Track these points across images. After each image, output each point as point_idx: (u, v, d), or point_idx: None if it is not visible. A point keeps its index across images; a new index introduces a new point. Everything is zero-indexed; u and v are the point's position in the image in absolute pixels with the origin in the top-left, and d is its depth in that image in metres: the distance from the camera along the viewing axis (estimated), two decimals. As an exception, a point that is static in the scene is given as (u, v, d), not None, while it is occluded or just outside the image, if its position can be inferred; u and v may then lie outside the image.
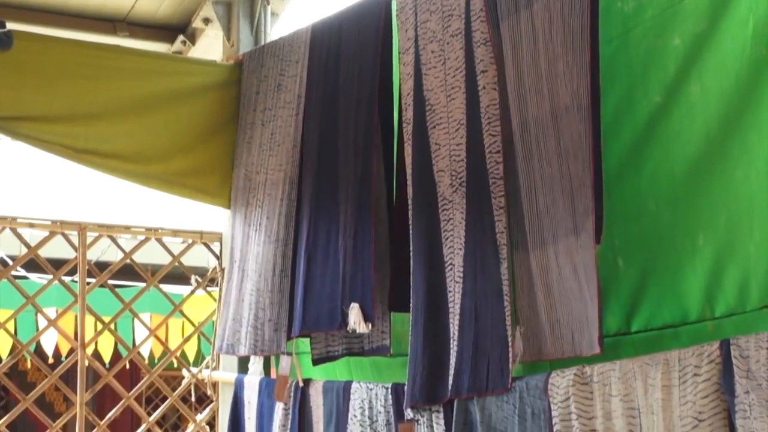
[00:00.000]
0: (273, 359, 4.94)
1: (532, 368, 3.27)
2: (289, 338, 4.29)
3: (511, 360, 3.22)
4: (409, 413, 3.66)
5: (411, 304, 3.65)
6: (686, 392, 2.57)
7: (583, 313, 2.96)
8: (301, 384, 4.34)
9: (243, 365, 5.20)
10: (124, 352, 5.74)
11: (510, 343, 3.23)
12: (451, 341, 3.43)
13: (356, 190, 4.00)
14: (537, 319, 3.17)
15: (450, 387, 3.40)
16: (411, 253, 3.65)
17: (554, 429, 2.99)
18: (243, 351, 4.57)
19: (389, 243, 3.96)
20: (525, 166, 3.21)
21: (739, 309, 2.68)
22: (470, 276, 3.39)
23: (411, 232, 3.66)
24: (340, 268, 3.97)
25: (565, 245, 3.05)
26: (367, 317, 3.82)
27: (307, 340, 4.34)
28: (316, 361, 4.26)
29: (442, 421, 3.52)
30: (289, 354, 4.43)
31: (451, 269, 3.47)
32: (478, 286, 3.35)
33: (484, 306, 3.32)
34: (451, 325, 3.45)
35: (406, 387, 3.67)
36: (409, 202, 3.68)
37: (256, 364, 4.99)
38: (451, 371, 3.41)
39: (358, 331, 3.86)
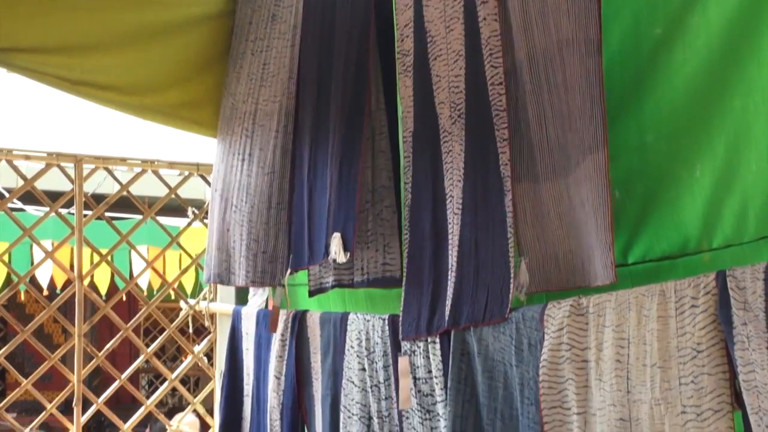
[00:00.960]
0: (270, 291, 4.95)
1: (530, 300, 3.28)
2: (294, 271, 4.28)
3: (511, 291, 3.23)
4: (406, 345, 3.69)
5: (411, 237, 3.65)
6: (684, 323, 2.58)
7: (594, 243, 2.96)
8: (291, 315, 4.37)
9: (241, 297, 5.23)
10: (121, 285, 5.75)
11: (512, 274, 3.24)
12: (450, 273, 3.45)
13: (347, 120, 3.98)
14: (545, 249, 3.17)
15: (447, 317, 3.42)
16: (411, 186, 3.65)
17: (542, 358, 3.01)
18: (236, 282, 4.59)
19: (392, 175, 3.95)
20: (534, 97, 3.19)
21: (737, 240, 2.69)
22: (469, 208, 3.39)
23: (412, 164, 3.65)
24: (326, 200, 3.97)
25: (575, 177, 3.04)
26: (346, 247, 3.81)
27: (304, 272, 4.35)
28: (311, 293, 4.28)
29: (438, 352, 3.54)
30: (283, 286, 4.45)
31: (451, 201, 3.47)
32: (479, 218, 3.35)
33: (485, 238, 3.33)
34: (449, 257, 3.46)
35: (401, 318, 3.69)
36: (410, 134, 3.67)
37: (257, 296, 5.01)
38: (449, 302, 3.42)
39: (337, 261, 3.86)
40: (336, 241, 3.84)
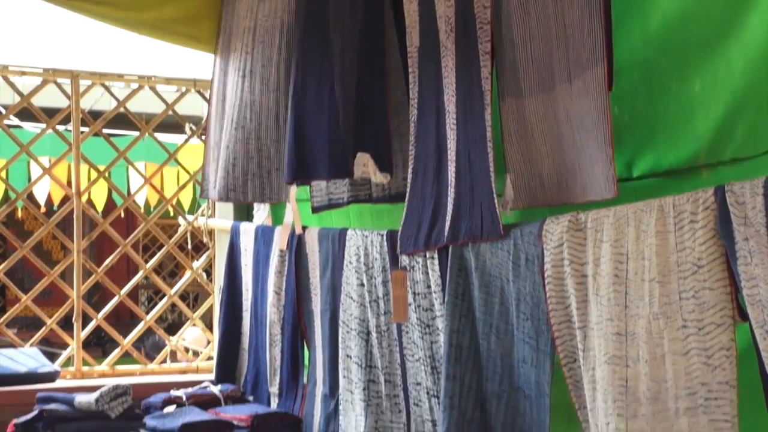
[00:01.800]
0: (270, 208, 4.96)
1: (530, 215, 3.28)
2: (301, 184, 4.22)
3: (497, 208, 3.24)
4: (404, 259, 3.70)
5: (415, 152, 3.65)
6: (684, 238, 2.59)
7: (594, 157, 2.94)
8: (299, 231, 4.38)
9: (239, 213, 5.23)
10: (118, 201, 5.76)
11: (494, 191, 3.24)
12: (449, 188, 3.45)
13: (362, 35, 3.92)
14: (532, 165, 3.16)
15: (446, 233, 3.43)
16: (417, 101, 3.63)
17: (546, 274, 3.02)
18: (244, 199, 4.57)
19: (406, 90, 3.92)
20: (520, 11, 3.17)
21: (736, 155, 2.68)
22: (462, 122, 3.38)
23: (418, 80, 3.63)
24: (341, 116, 3.91)
25: (570, 91, 3.02)
26: (383, 167, 3.79)
27: (305, 188, 4.34)
28: (315, 209, 4.26)
29: (437, 267, 3.56)
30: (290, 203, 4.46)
31: (448, 116, 3.46)
32: (470, 133, 3.35)
33: (475, 153, 3.33)
34: (448, 172, 3.46)
35: (400, 233, 3.70)
36: (415, 50, 3.65)
37: (260, 212, 5.02)
38: (448, 218, 3.43)
39: (373, 181, 3.83)
40: (364, 159, 3.81)
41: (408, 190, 3.68)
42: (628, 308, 2.70)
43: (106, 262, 5.36)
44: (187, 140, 5.59)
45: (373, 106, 3.86)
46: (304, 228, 4.37)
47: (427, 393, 3.65)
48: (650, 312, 2.63)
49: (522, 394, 3.22)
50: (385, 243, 3.84)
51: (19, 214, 11.43)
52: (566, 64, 3.02)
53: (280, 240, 4.46)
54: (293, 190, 4.28)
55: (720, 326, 2.49)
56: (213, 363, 5.01)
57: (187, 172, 5.68)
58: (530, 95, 3.16)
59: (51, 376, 4.88)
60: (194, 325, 5.61)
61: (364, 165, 3.80)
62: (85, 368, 5.20)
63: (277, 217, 4.86)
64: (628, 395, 2.68)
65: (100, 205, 8.66)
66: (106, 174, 5.59)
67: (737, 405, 2.46)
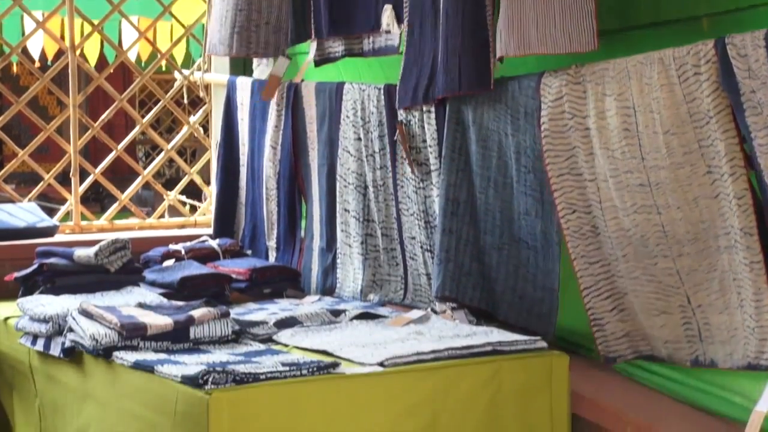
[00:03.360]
0: (272, 61, 4.90)
1: (525, 69, 3.26)
2: (314, 38, 4.17)
3: (492, 61, 3.22)
4: (402, 114, 3.69)
5: (410, 6, 3.60)
6: (691, 89, 2.59)
7: (577, 8, 2.91)
8: (287, 85, 4.35)
9: (236, 67, 5.19)
10: (110, 57, 5.70)
11: (490, 40, 3.22)
12: (440, 42, 3.41)
13: None
14: (522, 14, 3.09)
15: (441, 86, 3.41)
16: None
17: (543, 128, 3.02)
18: (229, 52, 4.52)
19: None
20: None
21: (738, 5, 2.65)
22: None
23: None
24: None
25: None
26: (399, 18, 3.73)
27: (306, 44, 4.28)
28: (318, 63, 4.20)
29: (434, 121, 3.56)
30: (288, 57, 4.41)
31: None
32: None
33: (467, 5, 3.29)
34: (441, 27, 3.42)
35: (398, 87, 3.68)
36: None
37: (261, 67, 4.97)
38: (442, 71, 3.40)
39: (391, 32, 3.78)
40: (387, 12, 3.75)
41: (405, 43, 3.65)
42: (645, 160, 2.73)
43: (103, 116, 5.33)
44: (181, -7, 5.51)
45: None
46: (299, 81, 4.34)
47: (421, 247, 3.68)
48: (671, 162, 2.64)
49: (525, 246, 3.26)
50: (382, 97, 3.82)
51: (15, 69, 11.34)
52: None
53: (265, 92, 4.42)
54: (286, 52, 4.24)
55: (732, 175, 2.52)
56: (211, 217, 5.04)
57: (182, 25, 5.60)
58: None
59: (50, 231, 4.90)
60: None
61: (388, 16, 3.76)
62: (84, 223, 5.22)
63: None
64: (669, 238, 2.75)
65: (92, 60, 8.58)
66: (100, 28, 5.52)
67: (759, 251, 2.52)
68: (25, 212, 5.01)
